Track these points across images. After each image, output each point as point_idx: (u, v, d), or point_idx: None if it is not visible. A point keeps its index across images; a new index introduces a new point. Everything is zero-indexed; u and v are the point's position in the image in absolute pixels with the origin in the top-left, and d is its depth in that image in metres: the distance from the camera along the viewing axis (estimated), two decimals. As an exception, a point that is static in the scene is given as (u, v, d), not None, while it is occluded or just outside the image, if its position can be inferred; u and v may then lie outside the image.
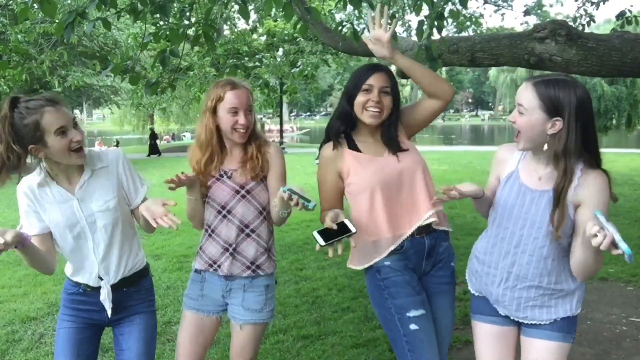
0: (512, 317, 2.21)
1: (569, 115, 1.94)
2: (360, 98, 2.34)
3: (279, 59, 9.75)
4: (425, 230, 2.38)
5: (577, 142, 1.96)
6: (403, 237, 2.34)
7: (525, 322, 2.19)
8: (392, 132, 2.42)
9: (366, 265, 2.39)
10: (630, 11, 6.09)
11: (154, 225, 2.03)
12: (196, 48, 6.99)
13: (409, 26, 10.81)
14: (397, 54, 2.35)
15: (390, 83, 2.36)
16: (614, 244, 1.67)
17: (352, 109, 2.37)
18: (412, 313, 2.30)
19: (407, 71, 2.40)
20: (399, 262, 2.36)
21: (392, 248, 2.34)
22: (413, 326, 2.28)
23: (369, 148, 2.43)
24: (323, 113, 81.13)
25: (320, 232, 2.11)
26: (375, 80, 2.33)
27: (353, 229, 2.10)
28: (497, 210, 2.20)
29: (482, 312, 2.30)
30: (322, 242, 2.09)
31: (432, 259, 2.42)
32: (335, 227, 2.09)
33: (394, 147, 2.41)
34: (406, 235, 2.34)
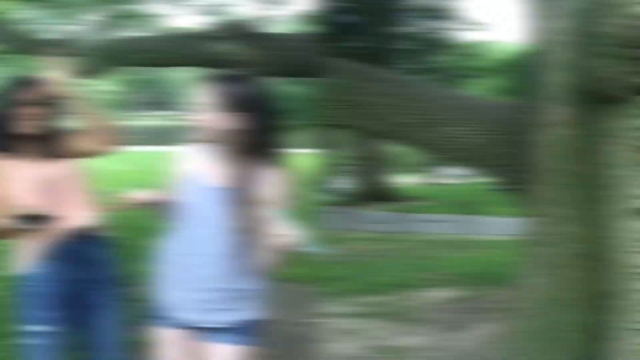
0: (193, 324, 2.16)
1: (249, 110, 1.97)
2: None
3: None
4: (77, 234, 2.36)
5: (259, 138, 2.01)
6: (52, 240, 2.30)
7: (208, 326, 2.14)
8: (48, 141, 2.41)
9: (23, 271, 2.34)
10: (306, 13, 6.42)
11: None
12: None
13: (89, 26, 10.22)
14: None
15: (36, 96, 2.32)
16: (295, 242, 1.73)
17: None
18: (36, 328, 2.32)
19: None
20: (50, 269, 2.31)
21: (42, 251, 2.29)
22: (35, 341, 2.33)
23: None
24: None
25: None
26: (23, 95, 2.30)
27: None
28: (181, 210, 2.17)
29: (163, 317, 2.24)
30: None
31: (88, 265, 2.41)
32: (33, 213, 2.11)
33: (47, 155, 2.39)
34: (55, 238, 2.30)
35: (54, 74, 2.30)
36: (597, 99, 2.94)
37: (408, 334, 4.92)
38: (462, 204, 15.74)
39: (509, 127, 3.64)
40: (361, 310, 5.83)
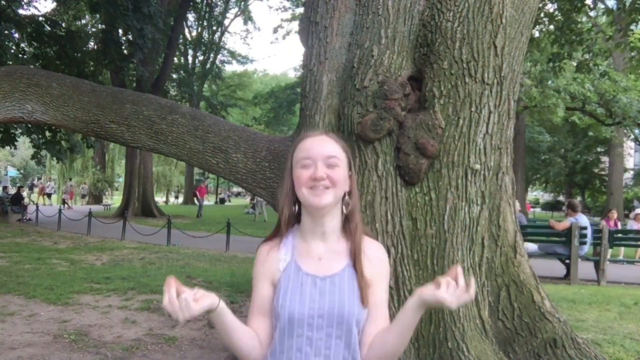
0: None
1: None
2: None
3: None
4: None
5: None
6: None
7: None
8: None
9: None
10: None
11: None
12: None
13: None
14: None
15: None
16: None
17: None
18: None
19: None
20: None
21: None
22: None
23: None
24: None
25: None
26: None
27: None
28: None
29: None
30: None
31: None
32: None
33: None
34: None
35: None
36: (355, 139, 3.85)
37: (178, 326, 5.80)
38: (218, 224, 16.71)
39: (278, 157, 4.52)
40: (138, 305, 6.67)
